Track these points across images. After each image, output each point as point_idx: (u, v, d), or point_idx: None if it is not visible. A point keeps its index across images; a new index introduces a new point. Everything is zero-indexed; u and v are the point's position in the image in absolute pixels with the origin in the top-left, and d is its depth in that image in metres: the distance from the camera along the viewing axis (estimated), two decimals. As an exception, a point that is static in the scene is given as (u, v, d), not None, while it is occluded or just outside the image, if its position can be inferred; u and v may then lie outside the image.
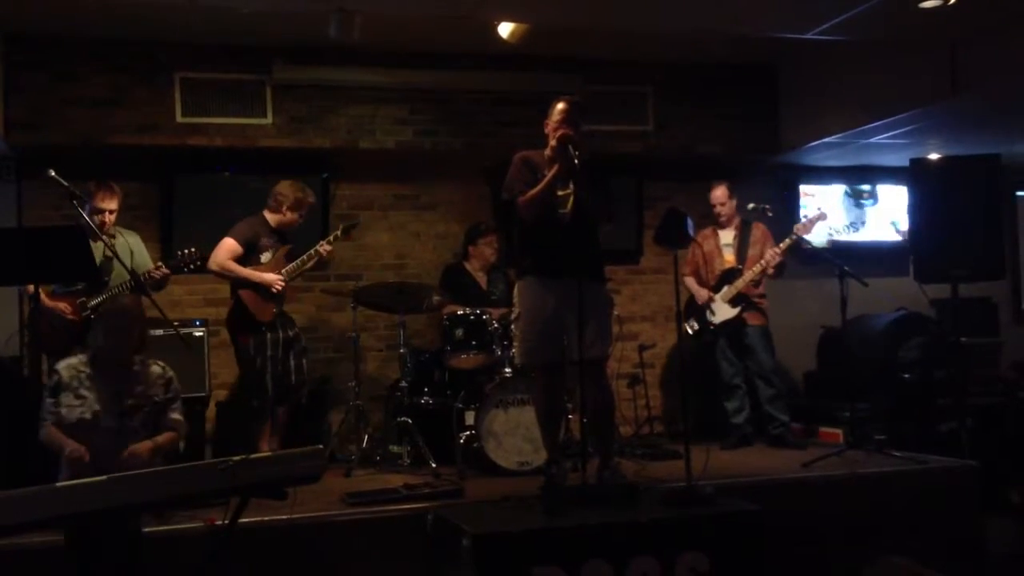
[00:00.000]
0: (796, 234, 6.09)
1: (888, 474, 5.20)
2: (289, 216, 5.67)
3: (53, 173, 4.75)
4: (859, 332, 6.86)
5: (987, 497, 5.33)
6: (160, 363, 4.48)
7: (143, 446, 4.18)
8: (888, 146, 7.10)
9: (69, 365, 4.27)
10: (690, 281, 6.48)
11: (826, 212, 6.32)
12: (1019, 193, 8.49)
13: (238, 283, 5.54)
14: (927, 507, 5.04)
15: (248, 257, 5.56)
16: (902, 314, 7.11)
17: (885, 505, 4.96)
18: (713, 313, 6.30)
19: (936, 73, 5.95)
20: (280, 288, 5.54)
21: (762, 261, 6.16)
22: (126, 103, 6.20)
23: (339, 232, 5.80)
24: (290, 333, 5.66)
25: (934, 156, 6.72)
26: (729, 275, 6.28)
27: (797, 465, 5.37)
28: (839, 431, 6.33)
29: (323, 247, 5.64)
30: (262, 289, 5.51)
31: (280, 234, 5.72)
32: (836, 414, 6.42)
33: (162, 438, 4.32)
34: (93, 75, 6.14)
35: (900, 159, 6.84)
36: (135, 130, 6.21)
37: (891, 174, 7.78)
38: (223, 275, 5.58)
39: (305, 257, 5.63)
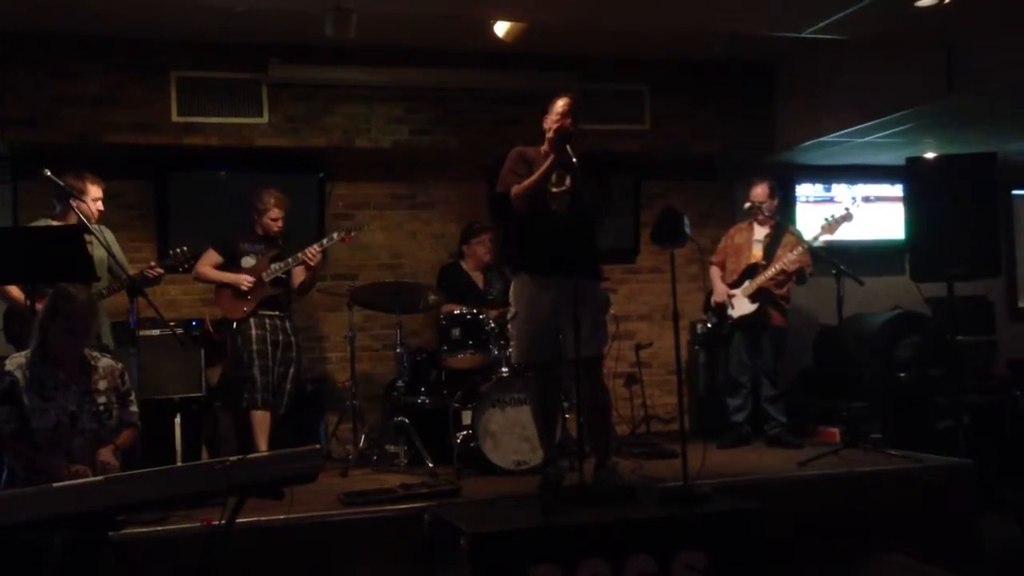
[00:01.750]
0: (821, 234, 6.07)
1: (885, 472, 5.21)
2: (259, 219, 5.73)
3: (49, 173, 4.73)
4: (856, 331, 6.87)
5: (983, 495, 5.34)
6: (106, 354, 4.24)
7: (110, 453, 3.91)
8: (884, 145, 7.10)
9: (20, 365, 3.86)
10: (715, 272, 6.51)
11: (852, 213, 6.21)
12: (1015, 192, 8.52)
13: (218, 286, 5.72)
14: (924, 505, 5.04)
15: (230, 263, 5.71)
16: (898, 313, 7.12)
17: (882, 503, 4.97)
18: (732, 307, 6.31)
19: (932, 72, 5.95)
20: (248, 286, 5.60)
21: (785, 259, 6.15)
22: (122, 102, 6.18)
23: (334, 236, 5.79)
24: (279, 337, 5.65)
25: (930, 155, 6.73)
26: (752, 271, 6.28)
27: (794, 464, 5.38)
28: (836, 430, 6.34)
29: (309, 252, 5.63)
30: (233, 288, 5.64)
31: (268, 240, 5.76)
32: (833, 413, 6.43)
33: (122, 438, 4.05)
34: (89, 74, 6.13)
35: (896, 158, 6.84)
36: (131, 129, 6.20)
37: (887, 174, 7.78)
38: (202, 281, 5.85)
39: (290, 259, 5.65)
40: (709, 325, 6.52)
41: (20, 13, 5.68)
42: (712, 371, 7.05)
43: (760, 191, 6.39)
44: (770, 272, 6.16)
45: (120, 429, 4.05)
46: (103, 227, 5.35)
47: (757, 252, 6.35)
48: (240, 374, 5.59)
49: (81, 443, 3.83)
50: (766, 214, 6.33)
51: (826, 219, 6.15)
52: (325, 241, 5.76)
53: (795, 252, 6.11)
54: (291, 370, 5.69)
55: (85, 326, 3.97)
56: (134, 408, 4.15)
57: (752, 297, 6.23)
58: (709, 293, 6.55)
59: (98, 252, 4.92)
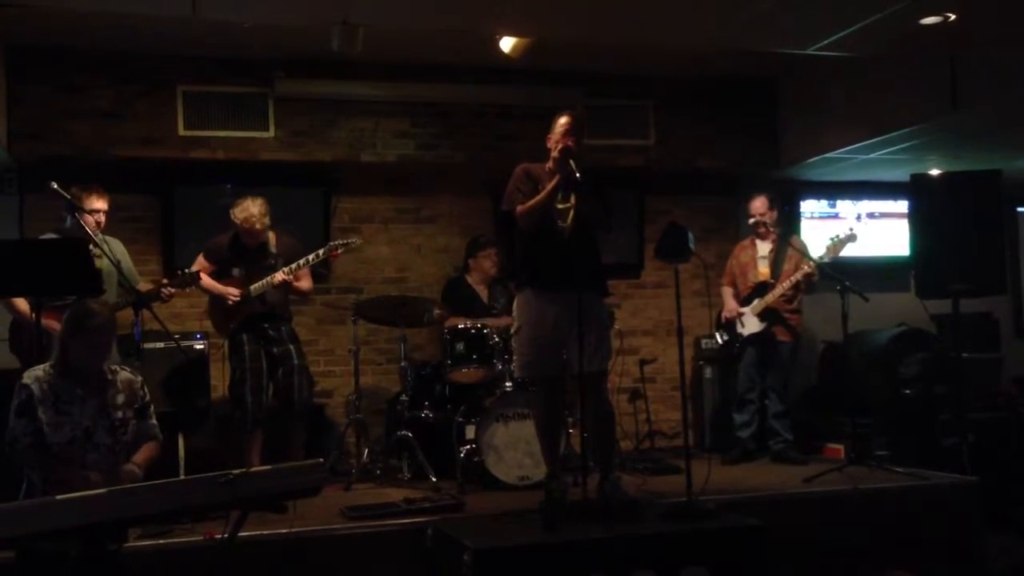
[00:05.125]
0: (826, 255, 6.06)
1: (889, 490, 5.19)
2: (240, 230, 5.55)
3: (55, 185, 4.74)
4: (861, 347, 6.86)
5: (988, 513, 5.32)
6: (124, 367, 4.21)
7: (134, 468, 3.90)
8: (889, 162, 7.11)
9: (37, 379, 3.86)
10: (727, 292, 6.52)
11: (856, 233, 6.18)
12: (1020, 209, 8.50)
13: (210, 296, 5.60)
14: (928, 523, 5.03)
15: (221, 271, 5.60)
16: (903, 329, 7.10)
17: (886, 521, 4.95)
18: (743, 325, 6.31)
19: (936, 89, 5.96)
20: (233, 300, 5.47)
21: (792, 277, 6.14)
22: (128, 116, 6.21)
23: (319, 253, 5.56)
24: (276, 350, 5.51)
25: (935, 172, 6.73)
26: (761, 289, 6.27)
27: (799, 480, 5.36)
28: (840, 446, 6.32)
29: (277, 276, 5.44)
30: (220, 300, 5.53)
31: (258, 251, 5.59)
32: (837, 429, 6.41)
33: (144, 452, 4.00)
34: (96, 87, 6.16)
35: (901, 175, 6.85)
36: (137, 143, 6.22)
37: (892, 190, 7.79)
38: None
39: (269, 279, 5.47)
40: (720, 342, 6.50)
41: (28, 27, 5.71)
42: (721, 387, 7.04)
43: (759, 204, 6.39)
44: (778, 291, 6.16)
45: (139, 443, 4.02)
46: (111, 238, 5.35)
47: (764, 269, 6.34)
48: (231, 391, 5.51)
49: (96, 457, 3.84)
50: (768, 227, 6.34)
51: (831, 239, 6.13)
52: (311, 257, 5.54)
53: (810, 264, 6.08)
54: (294, 377, 5.51)
55: (108, 341, 4.02)
56: (153, 421, 4.13)
57: (761, 316, 6.22)
58: (720, 310, 6.54)
59: (104, 265, 4.92)
